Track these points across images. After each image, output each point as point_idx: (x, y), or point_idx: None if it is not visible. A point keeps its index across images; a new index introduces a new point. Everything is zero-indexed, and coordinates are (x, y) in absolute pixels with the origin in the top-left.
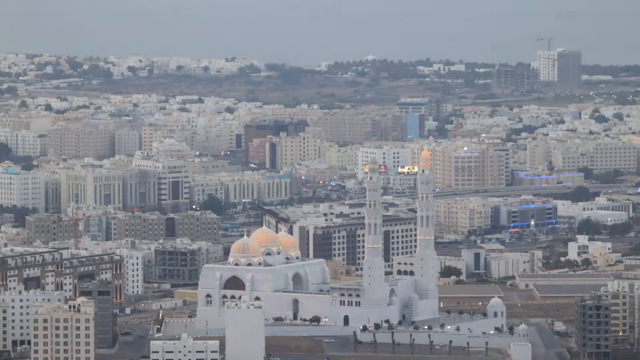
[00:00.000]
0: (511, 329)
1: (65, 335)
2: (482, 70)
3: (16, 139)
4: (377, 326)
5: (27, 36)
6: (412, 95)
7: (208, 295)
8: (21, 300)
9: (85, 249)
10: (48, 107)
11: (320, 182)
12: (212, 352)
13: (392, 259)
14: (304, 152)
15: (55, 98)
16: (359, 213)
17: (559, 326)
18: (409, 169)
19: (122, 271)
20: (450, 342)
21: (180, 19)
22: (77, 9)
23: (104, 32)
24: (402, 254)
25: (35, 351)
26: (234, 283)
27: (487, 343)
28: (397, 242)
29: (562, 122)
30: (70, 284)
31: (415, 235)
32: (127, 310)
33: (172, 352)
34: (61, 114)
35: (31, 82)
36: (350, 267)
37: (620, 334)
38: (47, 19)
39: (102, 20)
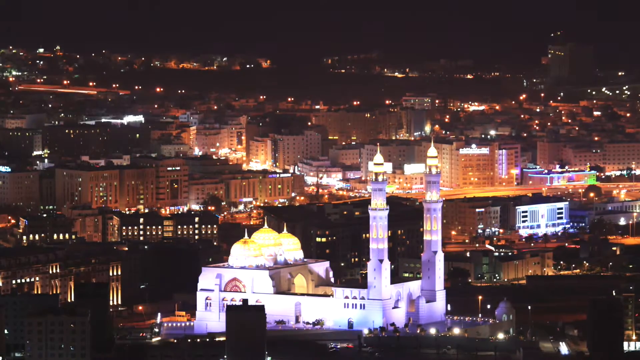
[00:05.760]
0: (520, 332)
1: (60, 339)
2: (490, 65)
3: (11, 136)
4: (383, 329)
5: (23, 31)
6: (418, 91)
7: (208, 298)
8: (15, 303)
9: (82, 250)
10: (43, 103)
11: (320, 178)
12: (211, 356)
13: (398, 260)
14: (306, 150)
15: (51, 94)
16: (363, 213)
17: (571, 328)
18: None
19: (120, 272)
20: (458, 345)
21: (180, 13)
22: (74, 3)
23: (102, 27)
24: (409, 255)
25: (30, 355)
26: (235, 285)
27: (495, 347)
28: (403, 243)
29: (574, 118)
30: (65, 285)
31: (422, 235)
32: (125, 313)
33: (170, 356)
34: (57, 111)
35: (26, 77)
36: (354, 268)
37: (634, 336)
38: (43, 14)
39: (100, 15)
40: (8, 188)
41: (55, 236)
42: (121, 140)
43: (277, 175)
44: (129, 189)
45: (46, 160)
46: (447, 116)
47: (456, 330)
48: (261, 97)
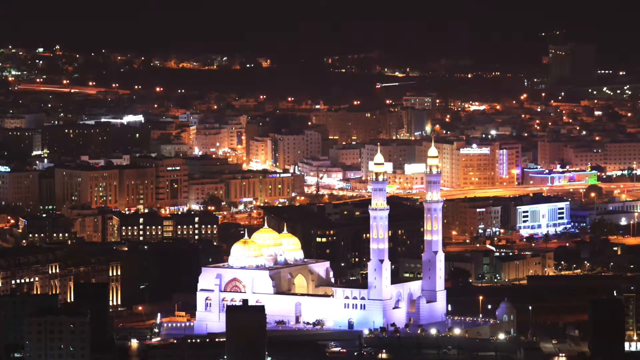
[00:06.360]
0: (521, 333)
1: (60, 339)
2: (491, 64)
3: (10, 136)
4: (383, 329)
5: (22, 29)
6: (419, 91)
7: (208, 298)
8: (14, 303)
9: (82, 250)
10: (43, 103)
11: (320, 178)
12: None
13: (398, 260)
14: (306, 150)
15: (51, 94)
16: (364, 213)
17: (572, 329)
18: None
19: (120, 272)
20: (459, 346)
21: (179, 11)
22: (74, 1)
23: (101, 26)
24: (409, 255)
25: (30, 355)
26: (235, 285)
27: (496, 347)
28: (404, 243)
29: (575, 118)
30: (65, 285)
31: (423, 235)
32: (124, 313)
33: (170, 356)
34: (56, 110)
35: (26, 77)
36: (355, 268)
37: (635, 337)
38: (42, 12)
39: (99, 14)
40: (7, 188)
41: (54, 236)
42: (121, 140)
43: (277, 175)
44: (128, 189)
45: (46, 160)
46: (448, 116)
47: (457, 331)
48: (261, 97)
